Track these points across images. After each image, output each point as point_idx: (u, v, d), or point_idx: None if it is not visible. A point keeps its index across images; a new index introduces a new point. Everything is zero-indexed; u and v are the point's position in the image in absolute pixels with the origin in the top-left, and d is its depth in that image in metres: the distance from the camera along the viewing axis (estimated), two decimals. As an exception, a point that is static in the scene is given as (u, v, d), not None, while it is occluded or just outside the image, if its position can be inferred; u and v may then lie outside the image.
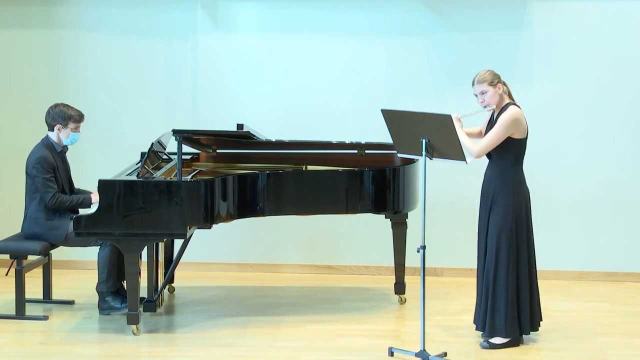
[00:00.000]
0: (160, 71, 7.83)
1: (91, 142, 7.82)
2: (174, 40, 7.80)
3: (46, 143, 6.63)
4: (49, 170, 6.51)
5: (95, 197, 6.50)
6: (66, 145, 6.72)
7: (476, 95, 5.90)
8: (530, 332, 5.99)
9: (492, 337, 5.94)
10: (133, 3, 7.77)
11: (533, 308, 5.95)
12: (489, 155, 5.91)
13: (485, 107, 5.89)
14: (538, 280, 6.02)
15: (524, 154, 5.92)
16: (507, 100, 5.92)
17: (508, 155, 5.86)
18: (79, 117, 6.65)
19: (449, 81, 7.62)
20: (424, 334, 5.75)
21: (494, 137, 5.79)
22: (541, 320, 6.06)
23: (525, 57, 7.62)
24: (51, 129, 6.63)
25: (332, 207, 6.60)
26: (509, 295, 5.84)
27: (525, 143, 5.90)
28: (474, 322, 6.09)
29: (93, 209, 6.25)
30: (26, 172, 6.60)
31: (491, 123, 5.94)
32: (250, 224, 7.53)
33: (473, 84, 5.91)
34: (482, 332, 6.03)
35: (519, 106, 5.90)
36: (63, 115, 6.60)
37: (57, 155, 6.63)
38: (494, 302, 5.89)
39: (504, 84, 5.93)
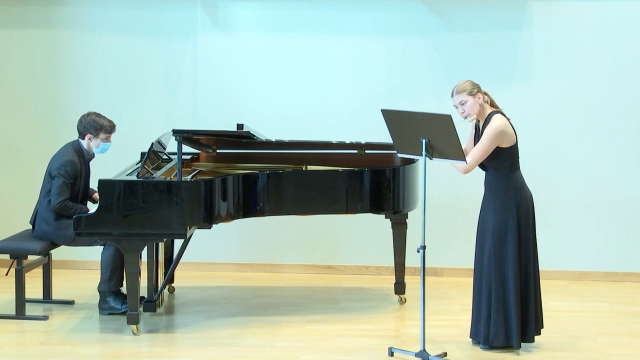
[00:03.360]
0: (160, 71, 7.83)
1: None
2: (174, 40, 7.80)
3: (77, 148, 6.61)
4: (72, 176, 6.51)
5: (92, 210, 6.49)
6: (94, 154, 6.71)
7: (456, 107, 5.82)
8: (523, 342, 5.94)
9: (487, 347, 5.93)
10: (133, 3, 7.77)
11: (526, 319, 5.90)
12: (483, 167, 5.89)
13: (466, 117, 5.82)
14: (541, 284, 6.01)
15: (518, 159, 5.88)
16: (489, 110, 5.85)
17: (502, 164, 5.81)
18: (110, 128, 6.62)
19: (449, 81, 7.60)
20: (424, 334, 5.75)
21: (481, 150, 5.72)
22: (542, 327, 6.01)
23: (525, 57, 7.62)
24: (82, 137, 6.62)
25: (332, 207, 6.60)
26: (492, 306, 5.83)
27: (517, 148, 5.84)
28: (470, 337, 6.04)
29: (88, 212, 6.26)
30: (49, 171, 6.58)
31: (477, 135, 5.90)
32: (250, 224, 7.53)
33: (452, 95, 5.83)
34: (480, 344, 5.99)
35: (503, 114, 5.84)
36: (95, 125, 6.57)
37: (84, 163, 6.63)
38: (479, 311, 5.89)
39: (485, 93, 5.86)
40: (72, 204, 6.51)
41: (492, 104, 5.89)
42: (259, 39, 7.78)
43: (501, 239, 5.82)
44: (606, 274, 7.71)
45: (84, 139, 6.62)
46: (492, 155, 5.77)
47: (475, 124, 5.93)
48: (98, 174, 6.42)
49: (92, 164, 7.10)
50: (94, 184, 6.57)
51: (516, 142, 5.83)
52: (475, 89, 5.81)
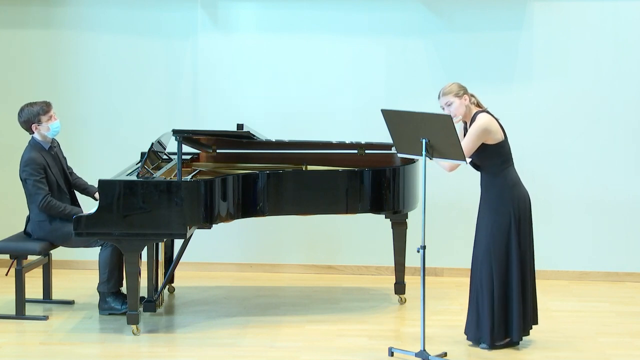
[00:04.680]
0: (160, 71, 7.83)
1: (91, 142, 7.82)
2: (174, 40, 7.80)
3: (33, 144, 6.61)
4: (38, 171, 6.49)
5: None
6: (54, 139, 6.69)
7: (443, 108, 5.87)
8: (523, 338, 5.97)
9: (479, 344, 5.96)
10: (133, 3, 7.77)
11: (526, 313, 5.92)
12: (477, 167, 5.91)
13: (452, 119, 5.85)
14: (536, 282, 6.02)
15: (511, 155, 5.90)
16: (475, 110, 5.88)
17: (494, 161, 5.84)
18: (46, 107, 6.57)
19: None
20: (424, 334, 5.75)
21: (465, 148, 5.71)
22: (535, 323, 6.03)
23: (525, 57, 7.62)
24: (30, 131, 6.61)
25: (332, 207, 6.60)
26: (495, 302, 5.85)
27: (507, 145, 5.86)
28: (465, 333, 6.07)
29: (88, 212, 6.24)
30: (20, 177, 6.59)
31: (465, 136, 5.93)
32: (250, 224, 7.53)
33: (439, 97, 5.89)
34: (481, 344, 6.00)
35: (489, 112, 5.87)
36: (31, 114, 6.54)
37: (47, 153, 6.61)
38: (478, 309, 5.93)
39: (472, 95, 5.90)
40: (58, 203, 6.50)
41: (478, 105, 5.93)
42: (259, 39, 7.78)
43: (502, 236, 5.84)
44: (606, 274, 7.71)
45: (33, 132, 6.60)
46: (483, 154, 5.80)
47: (464, 127, 5.95)
48: (98, 174, 6.41)
49: (91, 164, 7.10)
50: (93, 184, 6.58)
51: (505, 139, 5.85)
52: (461, 91, 5.86)
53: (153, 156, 6.60)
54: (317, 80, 7.77)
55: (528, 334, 6.00)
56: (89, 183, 6.87)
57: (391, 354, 5.88)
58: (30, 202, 6.58)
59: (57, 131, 6.64)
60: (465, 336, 6.07)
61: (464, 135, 5.94)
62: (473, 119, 5.85)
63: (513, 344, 5.95)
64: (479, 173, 6.00)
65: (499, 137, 5.82)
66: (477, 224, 5.98)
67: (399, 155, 6.02)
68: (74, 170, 6.94)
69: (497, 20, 7.60)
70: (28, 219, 6.66)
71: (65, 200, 6.61)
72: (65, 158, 6.82)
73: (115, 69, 7.84)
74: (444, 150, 5.62)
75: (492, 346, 5.92)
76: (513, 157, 5.93)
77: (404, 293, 7.04)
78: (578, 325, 6.54)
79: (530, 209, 5.92)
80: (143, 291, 6.65)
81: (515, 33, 7.61)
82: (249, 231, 7.82)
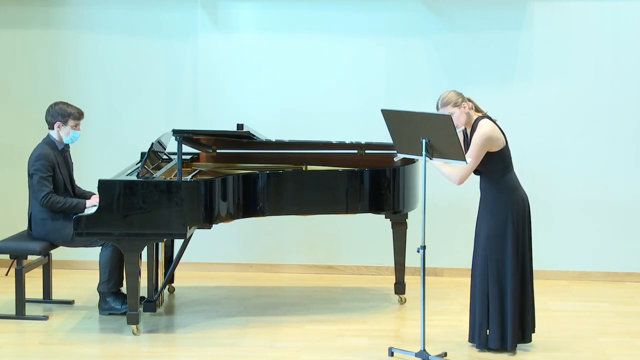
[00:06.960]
0: (160, 71, 7.83)
1: (91, 142, 7.82)
2: (174, 40, 7.80)
3: (48, 141, 6.63)
4: (48, 168, 6.50)
5: (90, 202, 6.50)
6: (68, 144, 6.72)
7: None
8: (518, 345, 5.92)
9: (484, 349, 5.96)
10: (133, 3, 7.78)
11: (525, 321, 5.90)
12: (477, 171, 5.88)
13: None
14: (536, 283, 6.00)
15: (511, 160, 5.87)
16: (475, 116, 5.84)
17: (495, 168, 5.81)
18: (78, 115, 6.64)
19: (449, 81, 7.61)
20: (424, 334, 5.75)
21: (472, 160, 5.71)
22: (533, 332, 5.99)
23: (525, 57, 7.62)
24: (51, 127, 6.63)
25: (332, 207, 6.60)
26: (491, 307, 5.84)
27: (508, 150, 5.83)
28: (469, 340, 6.04)
29: (88, 212, 6.24)
30: (27, 171, 6.60)
31: (466, 142, 5.88)
32: (250, 224, 7.53)
33: (437, 108, 5.82)
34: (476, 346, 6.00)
35: (489, 117, 5.84)
36: (62, 113, 6.60)
37: (59, 154, 6.63)
38: (475, 312, 5.92)
39: (469, 100, 5.85)
40: (60, 198, 6.51)
41: (477, 109, 5.89)
42: (259, 39, 7.78)
43: (499, 241, 5.82)
44: (606, 274, 7.72)
45: (53, 128, 6.62)
46: (483, 160, 5.77)
47: (463, 131, 5.92)
48: (98, 174, 6.41)
49: (91, 164, 7.11)
50: (93, 184, 6.57)
51: (506, 144, 5.82)
52: (460, 99, 5.80)
53: (153, 156, 6.61)
54: (317, 80, 7.77)
55: (530, 340, 5.93)
56: (90, 182, 6.85)
57: (391, 354, 5.89)
58: (34, 198, 6.58)
59: (74, 140, 6.68)
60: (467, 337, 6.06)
61: (464, 140, 5.92)
62: (474, 126, 5.81)
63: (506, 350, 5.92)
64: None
65: (501, 143, 5.79)
66: (476, 228, 5.97)
67: (399, 155, 6.01)
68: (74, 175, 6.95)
69: (497, 20, 7.60)
70: (30, 217, 6.66)
71: None
72: (72, 163, 6.82)
73: (115, 69, 7.84)
74: (444, 150, 5.62)
75: (487, 349, 5.91)
76: (513, 160, 5.91)
77: (404, 293, 7.05)
78: (578, 325, 6.54)
79: (529, 213, 5.90)
80: (143, 291, 6.66)
81: (515, 33, 7.61)
82: (249, 231, 7.82)
